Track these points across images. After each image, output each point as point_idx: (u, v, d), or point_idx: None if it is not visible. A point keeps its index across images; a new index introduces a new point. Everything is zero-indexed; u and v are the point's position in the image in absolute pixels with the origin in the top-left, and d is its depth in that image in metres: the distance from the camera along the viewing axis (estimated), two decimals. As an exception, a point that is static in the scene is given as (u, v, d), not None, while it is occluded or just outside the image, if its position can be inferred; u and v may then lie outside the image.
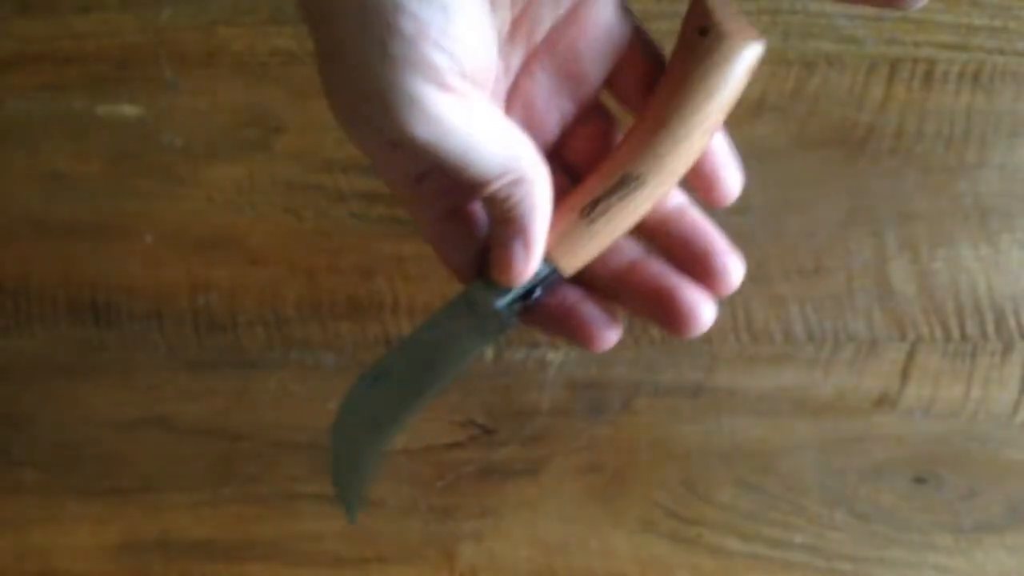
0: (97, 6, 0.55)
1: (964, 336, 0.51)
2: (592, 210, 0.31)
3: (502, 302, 0.31)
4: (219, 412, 0.51)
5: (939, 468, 0.50)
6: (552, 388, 0.51)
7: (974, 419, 0.51)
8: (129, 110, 0.54)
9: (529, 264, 0.31)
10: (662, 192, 0.31)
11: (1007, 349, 0.51)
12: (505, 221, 0.30)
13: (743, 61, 0.30)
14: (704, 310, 0.32)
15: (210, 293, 0.52)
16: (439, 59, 0.27)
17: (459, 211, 0.32)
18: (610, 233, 0.31)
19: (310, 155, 0.53)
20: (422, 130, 0.27)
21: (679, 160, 0.31)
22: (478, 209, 0.32)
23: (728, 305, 0.51)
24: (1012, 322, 0.51)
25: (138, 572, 0.50)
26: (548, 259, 0.31)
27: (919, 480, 0.50)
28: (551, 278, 0.31)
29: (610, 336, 0.33)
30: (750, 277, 0.51)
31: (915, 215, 0.52)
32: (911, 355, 0.51)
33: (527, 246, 0.30)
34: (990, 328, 0.51)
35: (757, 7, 0.54)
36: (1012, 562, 0.49)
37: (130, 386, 0.51)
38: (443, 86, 0.27)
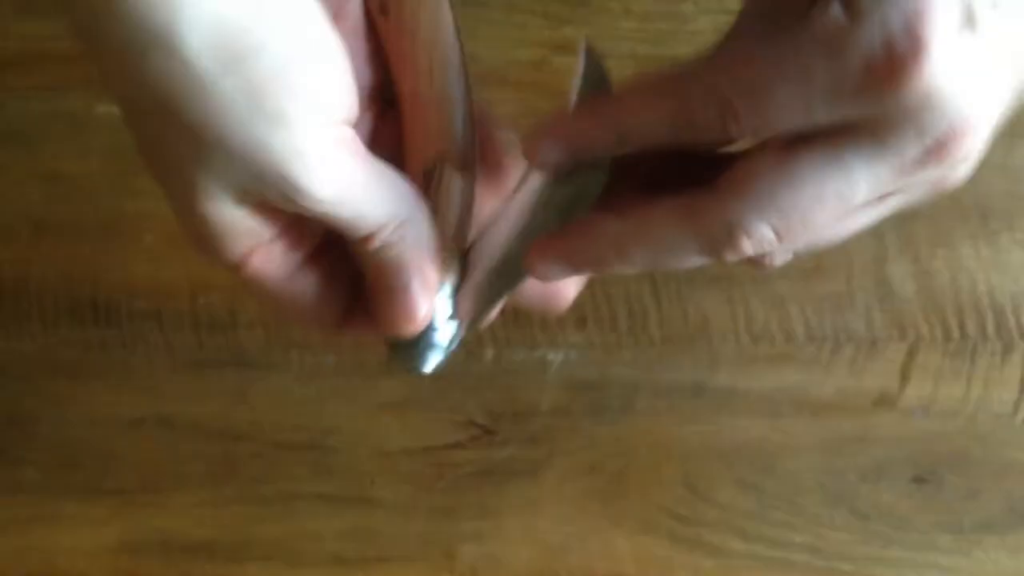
0: (97, 6, 0.55)
1: (964, 336, 0.51)
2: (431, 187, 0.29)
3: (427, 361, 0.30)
4: (219, 412, 0.51)
5: (939, 468, 0.50)
6: (552, 388, 0.51)
7: (974, 419, 0.51)
8: (129, 110, 0.54)
9: (432, 300, 0.29)
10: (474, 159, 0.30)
11: (1007, 349, 0.51)
12: (396, 266, 0.28)
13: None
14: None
15: (210, 293, 0.52)
16: (323, 99, 0.25)
17: (310, 259, 0.29)
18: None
19: (310, 155, 0.53)
20: (326, 191, 0.25)
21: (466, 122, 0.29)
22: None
23: (728, 305, 0.51)
24: (1012, 322, 0.51)
25: (138, 572, 0.50)
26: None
27: (919, 480, 0.50)
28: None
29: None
30: (750, 277, 0.51)
31: (915, 215, 0.52)
32: (911, 355, 0.51)
33: (425, 283, 0.28)
34: (990, 328, 0.51)
35: (757, 7, 0.54)
36: (1012, 562, 0.49)
37: (130, 386, 0.51)
38: (329, 132, 0.25)
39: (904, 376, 0.51)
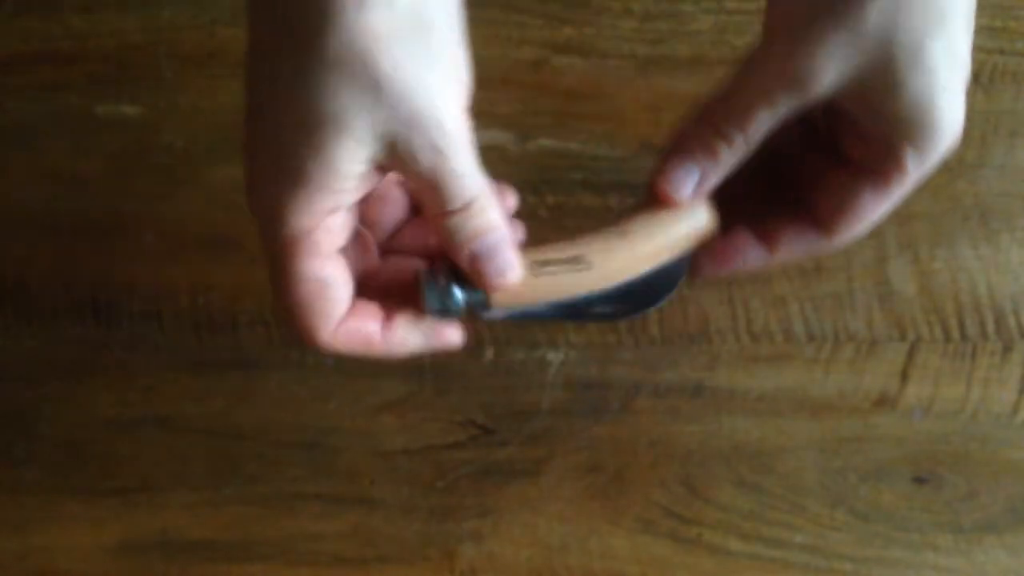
0: (97, 6, 0.55)
1: (964, 336, 0.51)
2: (541, 268, 0.34)
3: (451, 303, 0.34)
4: (219, 412, 0.51)
5: (939, 468, 0.50)
6: (552, 388, 0.51)
7: (974, 419, 0.51)
8: (129, 110, 0.54)
9: (515, 274, 0.34)
10: (607, 280, 0.35)
11: (1007, 349, 0.51)
12: (492, 228, 0.33)
13: (698, 224, 0.37)
14: None
15: (210, 293, 0.52)
16: (461, 75, 0.31)
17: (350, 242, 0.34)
18: (548, 293, 0.35)
19: (310, 155, 0.53)
20: (458, 143, 0.31)
21: (629, 267, 0.36)
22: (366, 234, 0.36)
23: (728, 305, 0.51)
24: (1012, 322, 0.51)
25: (138, 572, 0.50)
26: (483, 303, 0.34)
27: (919, 480, 0.50)
28: (480, 302, 0.34)
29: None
30: (750, 277, 0.51)
31: (915, 215, 0.52)
32: (911, 355, 0.51)
33: (514, 242, 0.34)
34: (990, 328, 0.51)
35: (757, 7, 0.54)
36: (1012, 562, 0.50)
37: (130, 386, 0.51)
38: (461, 99, 0.31)
39: (904, 376, 0.51)
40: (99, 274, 0.52)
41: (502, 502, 0.50)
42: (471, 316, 0.34)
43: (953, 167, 0.53)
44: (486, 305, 0.34)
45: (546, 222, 0.52)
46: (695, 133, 0.35)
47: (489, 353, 0.51)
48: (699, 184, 0.36)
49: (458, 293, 0.33)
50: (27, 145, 0.54)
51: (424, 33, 0.29)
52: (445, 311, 0.34)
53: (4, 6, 0.55)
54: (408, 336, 0.35)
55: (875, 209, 0.36)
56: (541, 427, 0.51)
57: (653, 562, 0.50)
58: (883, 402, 0.51)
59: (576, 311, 0.36)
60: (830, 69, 0.33)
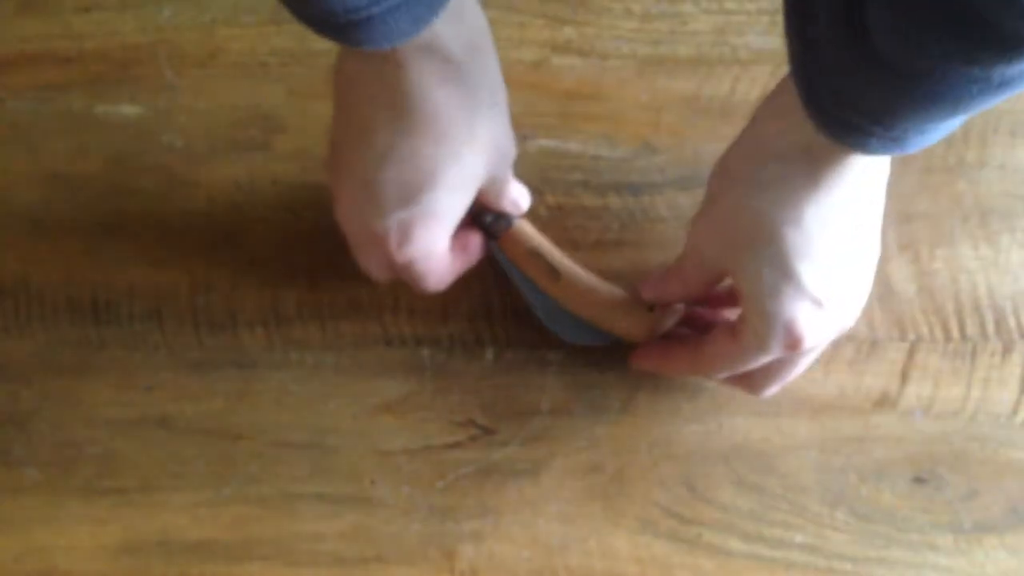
0: (97, 6, 0.55)
1: (964, 336, 0.51)
2: (534, 254, 0.48)
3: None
4: (219, 412, 0.51)
5: (939, 468, 0.50)
6: (552, 388, 0.51)
7: (974, 419, 0.51)
8: (129, 110, 0.54)
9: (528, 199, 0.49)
10: (559, 299, 0.48)
11: (1007, 349, 0.51)
12: (513, 183, 0.48)
13: (638, 327, 0.48)
14: None
15: (210, 293, 0.52)
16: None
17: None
18: (524, 268, 0.49)
19: (310, 155, 0.53)
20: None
21: (575, 309, 0.48)
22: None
23: (728, 305, 0.51)
24: (1012, 322, 0.51)
25: (138, 572, 0.50)
26: (509, 224, 0.49)
27: (919, 480, 0.50)
28: (501, 223, 0.49)
29: None
30: (750, 277, 0.51)
31: (915, 215, 0.52)
32: (911, 355, 0.51)
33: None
34: (990, 328, 0.51)
35: (757, 7, 0.54)
36: (1012, 562, 0.49)
37: (130, 386, 0.51)
38: None
39: (904, 376, 0.51)
40: (99, 274, 0.52)
41: (502, 502, 0.50)
42: (491, 235, 0.49)
43: (953, 167, 0.53)
44: (503, 231, 0.49)
45: (546, 222, 0.52)
46: (664, 273, 0.46)
47: (489, 353, 0.51)
48: (658, 296, 0.47)
49: (498, 216, 0.49)
50: (27, 145, 0.54)
51: (505, 103, 0.43)
52: (490, 229, 0.49)
53: (4, 6, 0.55)
54: (479, 246, 0.49)
55: (725, 358, 0.43)
56: (541, 427, 0.51)
57: (653, 562, 0.50)
58: (883, 402, 0.51)
59: (530, 293, 0.49)
60: (704, 252, 0.42)
